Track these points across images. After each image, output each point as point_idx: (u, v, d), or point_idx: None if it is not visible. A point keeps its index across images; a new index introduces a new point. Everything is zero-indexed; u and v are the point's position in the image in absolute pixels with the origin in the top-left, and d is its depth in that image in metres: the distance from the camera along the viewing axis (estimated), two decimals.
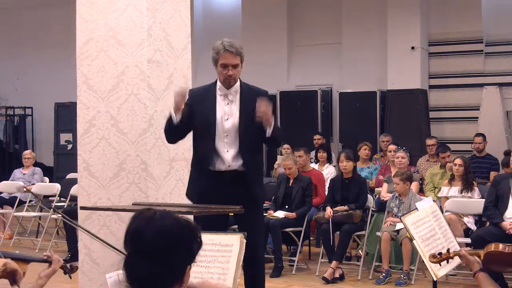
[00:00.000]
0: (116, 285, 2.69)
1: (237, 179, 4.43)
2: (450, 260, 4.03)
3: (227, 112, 4.45)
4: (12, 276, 2.77)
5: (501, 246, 3.67)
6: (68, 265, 3.22)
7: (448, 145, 9.15)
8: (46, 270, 3.03)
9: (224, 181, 4.41)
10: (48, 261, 3.07)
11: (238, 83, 4.49)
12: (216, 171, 4.44)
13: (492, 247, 3.66)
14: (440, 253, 3.98)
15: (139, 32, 4.89)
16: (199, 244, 2.08)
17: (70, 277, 3.32)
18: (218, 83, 4.49)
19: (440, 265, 4.09)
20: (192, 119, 4.42)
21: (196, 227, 2.09)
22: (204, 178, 4.44)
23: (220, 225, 4.34)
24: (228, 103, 4.46)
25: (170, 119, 4.36)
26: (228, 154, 4.43)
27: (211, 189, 4.39)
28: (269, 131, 4.35)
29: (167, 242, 2.00)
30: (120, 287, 2.09)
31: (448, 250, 3.98)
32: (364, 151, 9.03)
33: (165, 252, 1.99)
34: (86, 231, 4.29)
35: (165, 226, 2.02)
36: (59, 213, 3.96)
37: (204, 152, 4.45)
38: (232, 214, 4.50)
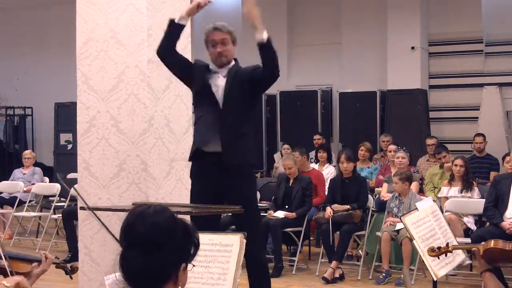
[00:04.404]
0: (114, 285, 2.69)
1: (221, 165, 4.26)
2: (449, 254, 4.03)
3: (215, 84, 4.35)
4: None
5: (500, 242, 3.67)
6: (68, 265, 3.22)
7: (448, 145, 9.14)
8: (37, 269, 3.03)
9: (212, 167, 4.28)
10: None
11: (232, 63, 4.41)
12: (206, 152, 4.29)
13: (491, 243, 3.67)
14: (439, 247, 3.98)
15: (139, 32, 4.89)
16: (196, 245, 2.08)
17: (71, 278, 3.33)
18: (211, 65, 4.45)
19: (439, 258, 4.09)
20: (189, 72, 4.40)
21: (192, 228, 2.09)
22: (197, 161, 4.36)
23: (213, 224, 4.28)
24: (219, 77, 4.37)
25: (170, 25, 4.27)
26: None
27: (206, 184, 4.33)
28: (260, 35, 4.01)
29: (158, 236, 2.00)
30: (118, 286, 2.09)
31: (447, 244, 3.99)
32: (361, 152, 9.00)
33: (156, 246, 1.99)
34: (99, 219, 4.21)
35: (156, 220, 2.03)
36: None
37: (196, 122, 4.40)
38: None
